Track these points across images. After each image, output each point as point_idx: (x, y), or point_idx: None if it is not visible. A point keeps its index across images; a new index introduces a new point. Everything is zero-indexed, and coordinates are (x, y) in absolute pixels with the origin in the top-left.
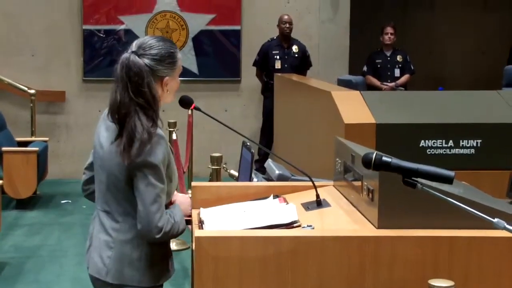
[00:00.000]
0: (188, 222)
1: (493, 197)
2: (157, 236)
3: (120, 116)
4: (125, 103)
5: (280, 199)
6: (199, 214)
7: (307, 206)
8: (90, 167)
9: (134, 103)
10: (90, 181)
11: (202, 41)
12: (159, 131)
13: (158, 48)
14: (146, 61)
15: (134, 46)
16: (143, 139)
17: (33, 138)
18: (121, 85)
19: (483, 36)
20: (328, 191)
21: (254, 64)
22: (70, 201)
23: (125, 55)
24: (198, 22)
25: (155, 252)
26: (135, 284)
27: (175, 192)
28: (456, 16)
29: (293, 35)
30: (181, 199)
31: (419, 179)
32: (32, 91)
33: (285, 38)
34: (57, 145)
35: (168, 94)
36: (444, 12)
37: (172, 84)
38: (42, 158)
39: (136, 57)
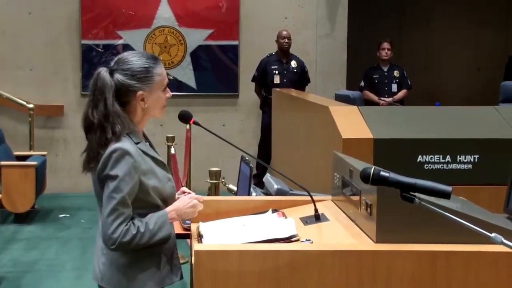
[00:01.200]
0: (187, 236)
1: (490, 212)
2: (112, 247)
3: (84, 129)
4: (87, 116)
5: (278, 213)
6: (198, 228)
7: (305, 221)
8: None
9: (94, 117)
10: None
11: (200, 56)
12: (123, 145)
13: (131, 63)
14: (118, 76)
15: (113, 61)
16: (103, 154)
17: (31, 153)
18: (90, 98)
19: (479, 52)
20: (326, 205)
21: (253, 80)
22: (68, 215)
23: (98, 69)
24: (196, 37)
25: (144, 259)
26: None
27: (184, 195)
28: (452, 32)
29: (290, 50)
30: (178, 203)
31: (417, 194)
32: (31, 106)
33: (284, 53)
34: (55, 159)
35: (151, 108)
36: (440, 28)
37: (151, 99)
38: (40, 173)
39: (106, 73)
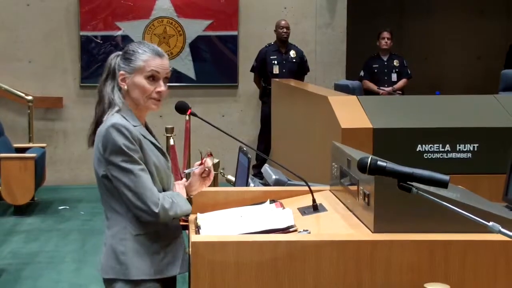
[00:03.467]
0: (185, 227)
1: (489, 201)
2: (157, 210)
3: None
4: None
5: (276, 204)
6: (196, 219)
7: (303, 211)
8: None
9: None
10: None
11: (199, 46)
12: (121, 121)
13: (127, 47)
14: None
15: None
16: (102, 130)
17: (30, 145)
18: None
19: (479, 41)
20: (324, 195)
21: (252, 70)
22: (68, 207)
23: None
24: (195, 28)
25: (143, 247)
26: (121, 278)
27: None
28: (453, 22)
29: (290, 40)
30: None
31: (414, 183)
32: (30, 98)
33: (282, 43)
34: (54, 152)
35: (131, 92)
36: (440, 18)
37: (131, 82)
38: (39, 165)
39: (113, 55)
